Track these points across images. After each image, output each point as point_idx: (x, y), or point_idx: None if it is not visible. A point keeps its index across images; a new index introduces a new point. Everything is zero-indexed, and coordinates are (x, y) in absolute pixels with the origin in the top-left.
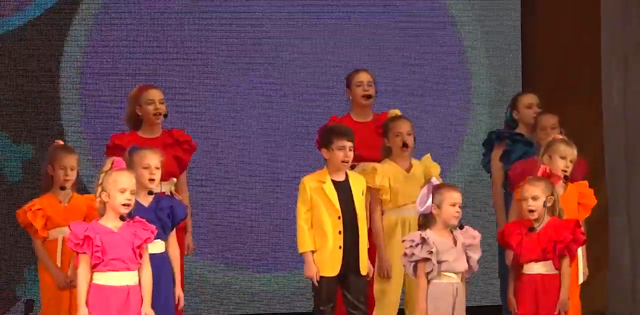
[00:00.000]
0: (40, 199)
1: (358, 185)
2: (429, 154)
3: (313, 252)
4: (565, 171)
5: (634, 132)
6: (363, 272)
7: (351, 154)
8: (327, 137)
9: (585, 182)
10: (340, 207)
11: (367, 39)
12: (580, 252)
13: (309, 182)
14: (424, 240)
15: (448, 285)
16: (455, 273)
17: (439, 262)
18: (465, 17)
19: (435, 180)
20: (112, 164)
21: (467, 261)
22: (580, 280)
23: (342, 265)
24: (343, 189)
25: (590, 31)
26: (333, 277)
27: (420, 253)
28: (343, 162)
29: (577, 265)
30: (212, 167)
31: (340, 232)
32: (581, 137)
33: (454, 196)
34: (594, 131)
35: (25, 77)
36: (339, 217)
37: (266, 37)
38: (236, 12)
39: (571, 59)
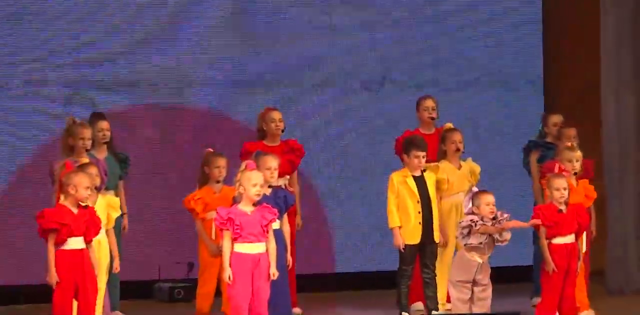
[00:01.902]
0: (200, 191)
1: (431, 179)
2: (470, 157)
3: (400, 227)
4: (574, 169)
5: (625, 141)
6: (437, 240)
7: (424, 161)
8: (407, 147)
9: (587, 181)
10: (419, 194)
11: None
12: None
13: (396, 177)
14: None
15: (473, 262)
16: (480, 255)
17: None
18: None
19: (475, 189)
20: (246, 166)
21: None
22: (583, 250)
23: (421, 236)
24: (420, 182)
25: (594, 69)
26: (415, 245)
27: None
28: (418, 166)
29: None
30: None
31: (419, 212)
32: (586, 145)
33: (487, 198)
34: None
35: None
36: (418, 201)
37: None
38: None
39: (581, 91)
